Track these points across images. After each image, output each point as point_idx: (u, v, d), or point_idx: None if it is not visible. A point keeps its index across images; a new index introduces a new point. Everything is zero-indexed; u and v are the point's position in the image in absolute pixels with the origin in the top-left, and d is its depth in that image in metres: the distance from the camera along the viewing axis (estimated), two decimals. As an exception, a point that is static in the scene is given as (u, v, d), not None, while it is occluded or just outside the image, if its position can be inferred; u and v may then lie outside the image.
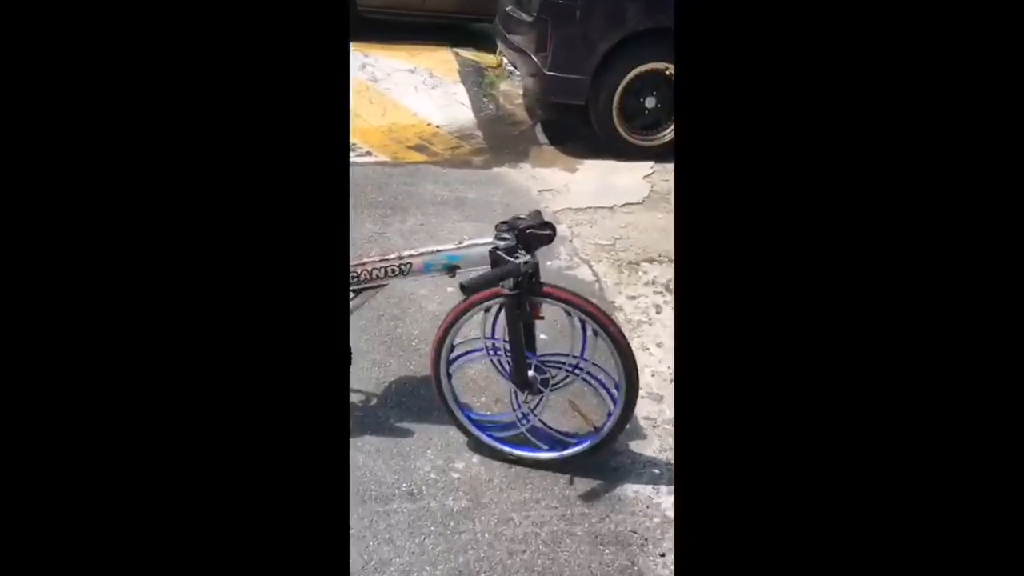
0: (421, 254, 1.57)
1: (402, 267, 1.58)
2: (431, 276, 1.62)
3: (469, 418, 1.72)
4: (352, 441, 1.76)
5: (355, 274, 1.61)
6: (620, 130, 3.59)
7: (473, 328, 1.66)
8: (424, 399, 1.92)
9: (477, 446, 1.75)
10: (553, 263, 2.62)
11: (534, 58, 3.56)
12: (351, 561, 1.45)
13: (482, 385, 1.98)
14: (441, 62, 4.96)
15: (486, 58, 5.08)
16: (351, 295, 1.71)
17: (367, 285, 1.64)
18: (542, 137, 3.95)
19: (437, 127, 3.88)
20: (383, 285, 1.65)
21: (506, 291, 1.45)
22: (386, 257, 1.60)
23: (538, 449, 1.70)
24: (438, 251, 1.56)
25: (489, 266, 1.48)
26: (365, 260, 1.61)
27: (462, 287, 1.33)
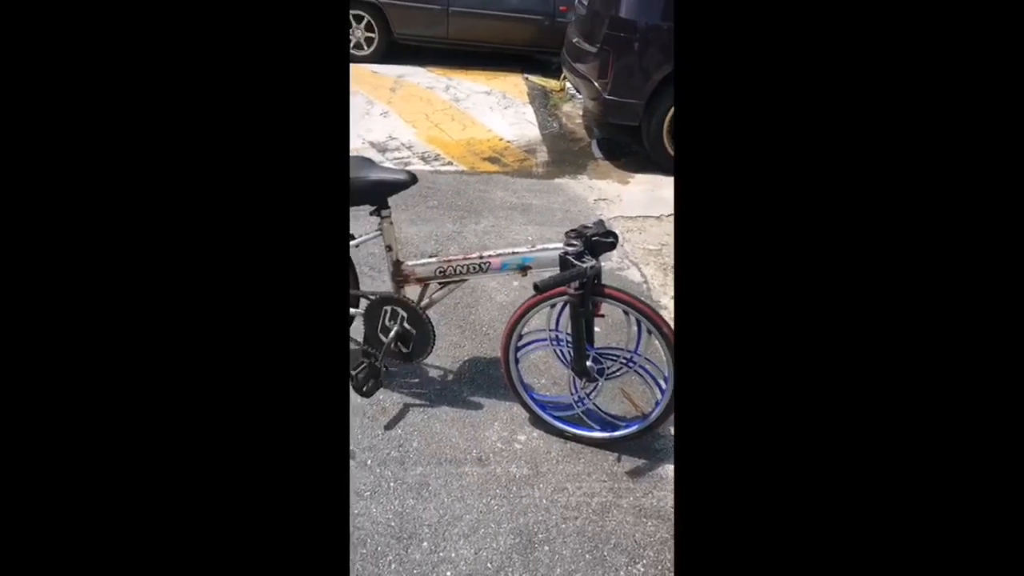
0: (499, 255, 1.54)
1: (482, 265, 1.56)
2: (505, 274, 1.59)
3: (532, 398, 1.70)
4: (431, 411, 1.76)
5: (442, 269, 1.60)
6: (668, 149, 3.48)
7: (539, 320, 1.62)
8: (492, 378, 1.90)
9: (537, 422, 1.72)
10: (606, 264, 2.55)
11: (595, 83, 3.47)
12: (428, 514, 1.46)
13: (542, 369, 1.95)
14: (513, 85, 4.92)
15: (551, 83, 5.00)
16: (437, 287, 1.70)
17: (451, 279, 1.63)
18: (598, 153, 3.87)
19: (508, 142, 3.84)
20: (465, 280, 1.63)
21: (571, 291, 1.41)
22: (468, 256, 1.58)
23: (591, 429, 1.66)
24: (514, 253, 1.53)
25: (559, 268, 1.44)
26: (451, 258, 1.60)
27: (536, 287, 1.29)
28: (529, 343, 1.65)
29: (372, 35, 5.08)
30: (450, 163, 3.48)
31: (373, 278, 2.36)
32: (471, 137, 3.85)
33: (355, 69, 5.16)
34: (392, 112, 4.14)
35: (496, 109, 4.36)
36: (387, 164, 3.37)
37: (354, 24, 5.03)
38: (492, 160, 3.59)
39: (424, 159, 3.51)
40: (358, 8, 4.96)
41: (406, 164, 3.42)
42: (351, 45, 5.09)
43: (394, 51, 5.20)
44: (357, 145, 3.63)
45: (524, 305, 1.55)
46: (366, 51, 5.15)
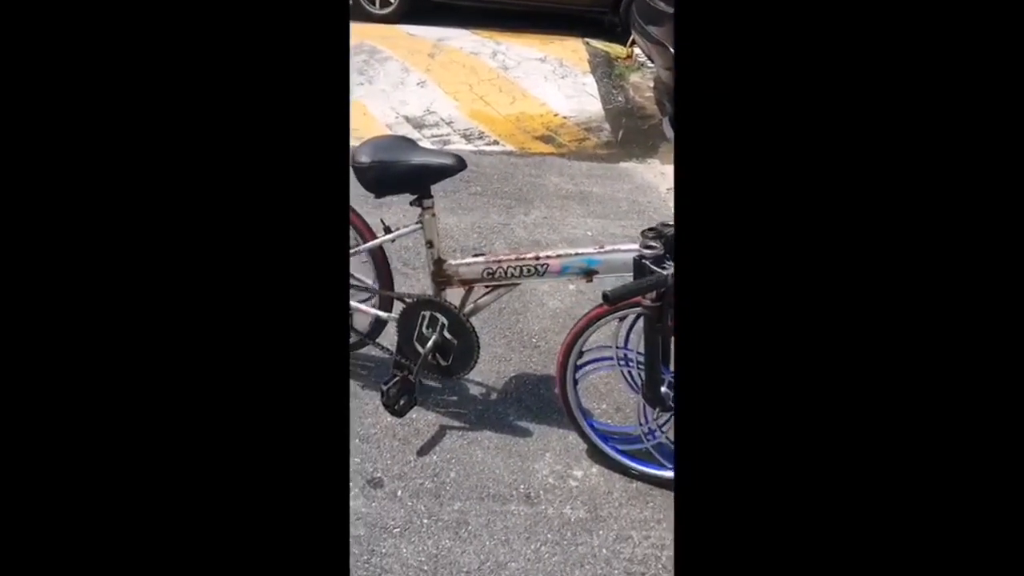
0: (559, 256, 1.51)
1: (538, 267, 1.53)
2: (566, 279, 1.55)
3: (592, 426, 1.66)
4: (471, 435, 1.75)
5: (491, 271, 1.58)
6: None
7: (604, 335, 1.58)
8: (543, 399, 1.87)
9: (597, 455, 1.68)
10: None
11: (672, 50, 3.39)
12: (467, 559, 1.44)
13: (603, 392, 1.90)
14: (572, 51, 4.86)
15: (616, 49, 4.92)
16: (484, 290, 1.68)
17: (502, 283, 1.60)
18: (671, 133, 3.78)
19: (564, 118, 3.80)
20: (516, 284, 1.60)
21: (647, 302, 1.36)
22: (523, 256, 1.55)
23: (663, 467, 1.61)
24: (577, 254, 1.49)
25: (631, 274, 1.39)
26: (501, 257, 1.57)
27: (605, 297, 1.25)
28: (591, 362, 1.61)
29: None
30: (496, 142, 3.46)
31: (407, 276, 2.37)
32: (521, 112, 3.82)
33: (389, 31, 5.21)
34: (431, 81, 4.15)
35: (551, 79, 4.32)
36: (425, 143, 3.38)
37: None
38: (545, 139, 3.55)
39: (466, 137, 3.50)
40: None
41: (445, 143, 3.42)
42: (376, 2, 5.04)
43: (420, 8, 5.12)
44: (390, 120, 3.65)
45: (587, 317, 1.51)
46: (379, 9, 4.99)
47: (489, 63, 4.50)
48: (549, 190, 3.04)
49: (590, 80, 4.36)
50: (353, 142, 3.41)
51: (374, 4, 5.07)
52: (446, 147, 3.36)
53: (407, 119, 3.67)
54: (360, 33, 5.16)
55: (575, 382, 1.60)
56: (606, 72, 4.55)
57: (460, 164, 1.51)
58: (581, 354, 1.57)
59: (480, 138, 3.50)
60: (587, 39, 5.16)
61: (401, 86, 4.09)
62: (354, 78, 4.23)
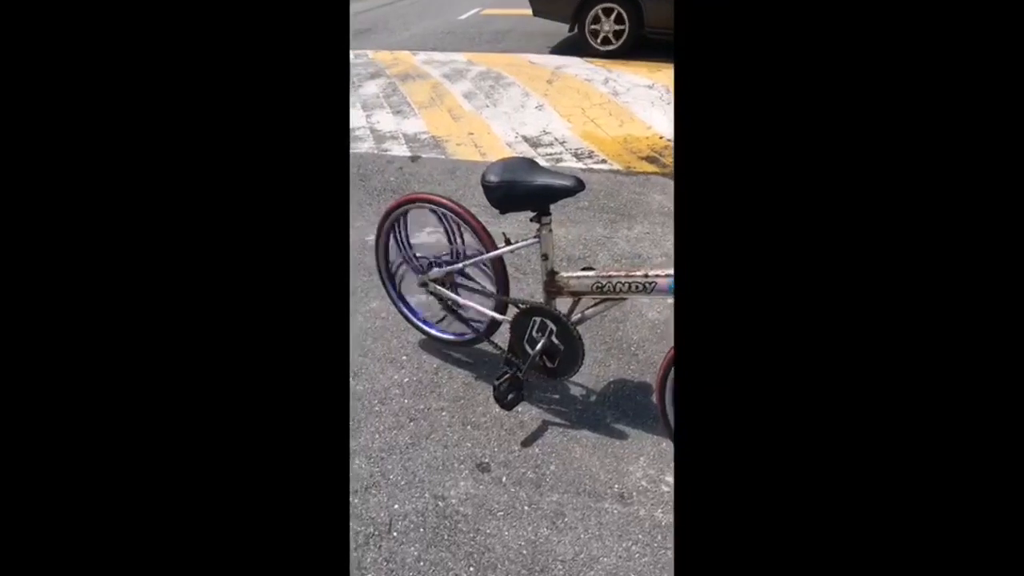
0: (668, 275, 1.42)
1: (647, 285, 1.45)
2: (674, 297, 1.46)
3: (686, 437, 1.55)
4: (571, 432, 1.69)
5: (600, 284, 1.51)
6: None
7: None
8: (640, 405, 1.78)
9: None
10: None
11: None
12: (563, 549, 1.39)
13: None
14: (677, 78, 4.66)
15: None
16: (592, 302, 1.62)
17: (610, 296, 1.53)
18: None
19: (668, 140, 3.63)
20: (624, 299, 1.53)
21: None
22: (632, 273, 1.47)
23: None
24: (685, 275, 1.39)
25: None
26: (612, 273, 1.50)
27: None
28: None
29: (622, 27, 4.99)
30: (604, 161, 3.37)
31: (517, 280, 2.34)
32: (628, 134, 3.70)
33: (513, 59, 5.23)
34: (547, 105, 4.12)
35: (658, 104, 4.16)
36: (540, 160, 3.35)
37: (603, 17, 5.01)
38: (650, 160, 3.42)
39: (577, 156, 3.44)
40: (612, 1, 4.91)
41: (558, 161, 3.38)
42: (598, 40, 5.08)
43: (640, 46, 5.12)
44: (510, 139, 3.65)
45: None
46: (614, 44, 5.07)
47: (601, 89, 4.40)
48: (652, 207, 2.92)
49: (695, 105, 4.15)
50: (477, 158, 3.48)
51: (609, 43, 5.13)
52: (558, 164, 3.32)
53: (525, 138, 3.66)
54: (487, 61, 5.22)
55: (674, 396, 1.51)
56: (710, 98, 4.32)
57: (579, 185, 1.46)
58: (681, 369, 1.47)
59: (589, 157, 3.42)
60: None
61: (521, 109, 4.09)
62: (480, 101, 4.28)
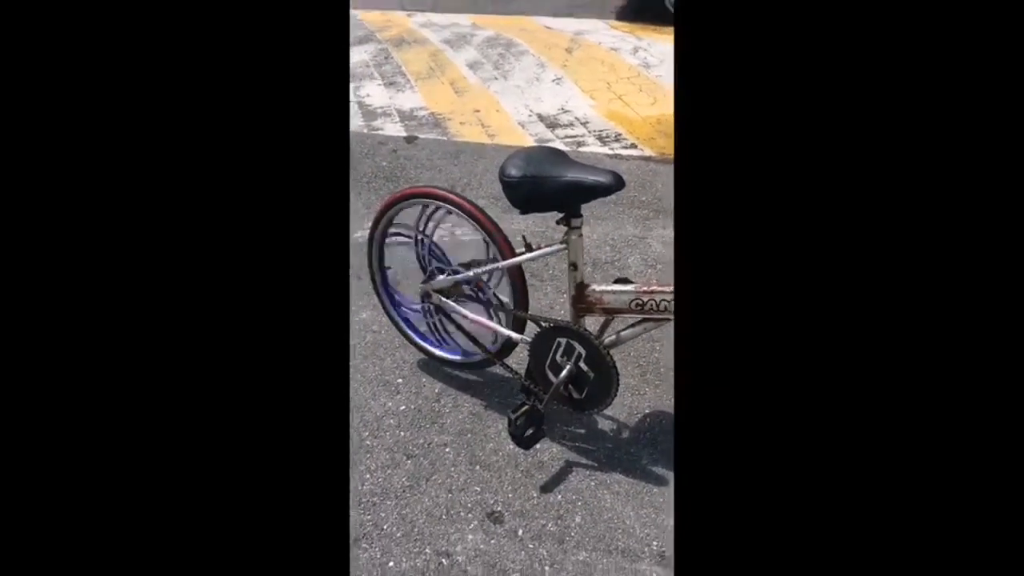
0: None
1: (697, 304, 1.38)
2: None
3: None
4: (599, 476, 1.63)
5: (640, 302, 1.45)
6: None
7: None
8: (681, 443, 1.72)
9: (743, 519, 1.51)
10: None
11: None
12: (593, 622, 1.33)
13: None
14: (719, 48, 4.58)
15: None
16: (629, 322, 1.56)
17: (652, 316, 1.47)
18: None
19: (709, 122, 3.57)
20: (668, 320, 1.47)
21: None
22: (679, 289, 1.41)
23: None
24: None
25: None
26: (655, 288, 1.44)
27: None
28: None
29: None
30: (634, 146, 3.31)
31: (534, 288, 2.28)
32: (662, 113, 3.63)
33: (525, 23, 5.16)
34: (567, 79, 4.05)
35: (696, 79, 4.09)
36: (557, 144, 3.28)
37: None
38: (688, 145, 3.35)
39: (602, 139, 3.37)
40: None
41: (580, 145, 3.31)
42: None
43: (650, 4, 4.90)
44: (523, 118, 3.59)
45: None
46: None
47: (629, 60, 4.33)
48: (691, 202, 2.85)
49: (739, 81, 4.08)
50: (484, 140, 3.42)
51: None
52: (580, 150, 3.25)
53: (540, 117, 3.60)
54: (496, 25, 5.15)
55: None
56: (758, 72, 4.25)
57: (618, 183, 1.39)
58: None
59: (616, 140, 3.36)
60: (737, 35, 4.85)
61: (536, 82, 4.02)
62: (488, 72, 4.22)
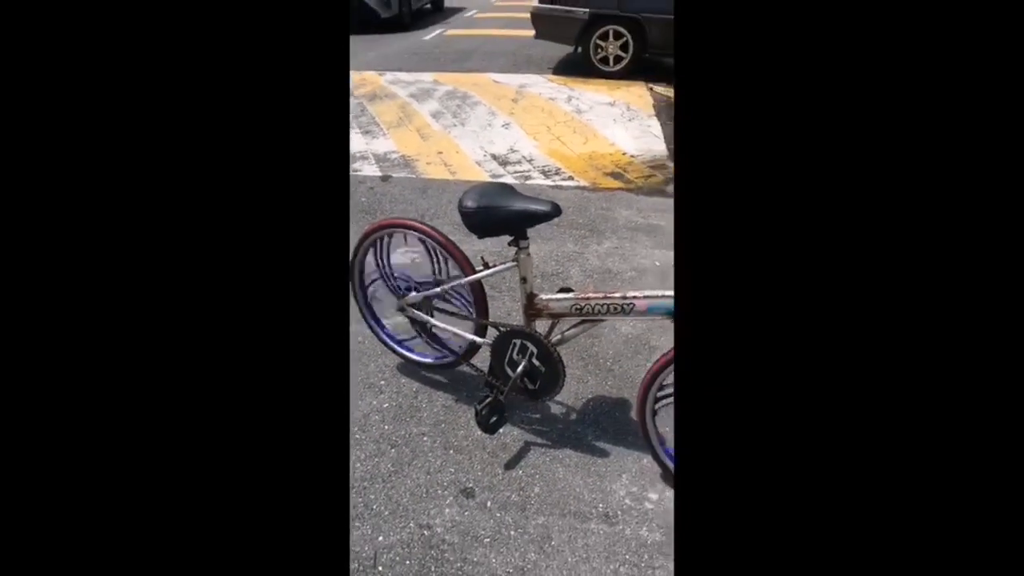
0: (646, 296, 1.39)
1: (625, 307, 1.42)
2: (651, 319, 1.44)
3: (668, 453, 1.53)
4: (553, 452, 1.65)
5: (579, 307, 1.48)
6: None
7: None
8: (619, 422, 1.75)
9: (671, 480, 1.54)
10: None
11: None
12: (551, 575, 1.34)
13: (675, 416, 1.77)
14: (637, 96, 4.71)
15: (678, 93, 4.73)
16: (571, 324, 1.58)
17: (588, 318, 1.50)
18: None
19: (632, 156, 3.66)
20: (603, 320, 1.50)
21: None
22: (610, 295, 1.44)
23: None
24: (664, 296, 1.37)
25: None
26: (590, 295, 1.47)
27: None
28: (671, 395, 1.48)
29: (623, 55, 5.05)
30: (571, 178, 3.36)
31: (493, 298, 2.29)
32: (593, 151, 3.71)
33: (478, 78, 5.20)
34: (514, 123, 4.10)
35: (619, 121, 4.18)
36: (509, 179, 3.31)
37: (611, 39, 5.01)
38: (615, 176, 3.42)
39: (544, 173, 3.42)
40: (618, 24, 4.91)
41: (527, 178, 3.35)
42: (597, 59, 5.09)
43: (640, 67, 5.16)
44: (479, 157, 3.61)
45: (671, 353, 1.39)
46: (611, 67, 5.11)
47: (564, 107, 4.41)
48: (619, 222, 2.91)
49: (655, 122, 4.19)
50: (447, 177, 3.42)
51: (606, 64, 5.17)
52: (527, 182, 3.29)
53: (493, 156, 3.62)
54: (454, 81, 5.17)
55: (654, 413, 1.48)
56: (669, 115, 4.37)
57: (556, 211, 1.42)
58: (662, 387, 1.45)
59: (557, 174, 3.41)
60: (651, 85, 4.99)
61: (488, 128, 4.06)
62: (448, 120, 4.24)
